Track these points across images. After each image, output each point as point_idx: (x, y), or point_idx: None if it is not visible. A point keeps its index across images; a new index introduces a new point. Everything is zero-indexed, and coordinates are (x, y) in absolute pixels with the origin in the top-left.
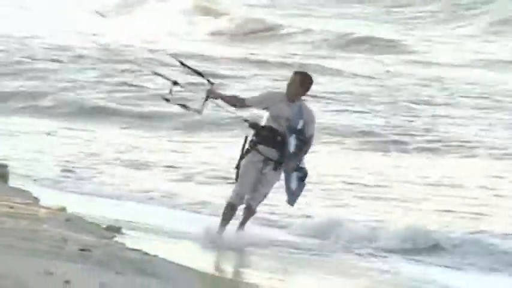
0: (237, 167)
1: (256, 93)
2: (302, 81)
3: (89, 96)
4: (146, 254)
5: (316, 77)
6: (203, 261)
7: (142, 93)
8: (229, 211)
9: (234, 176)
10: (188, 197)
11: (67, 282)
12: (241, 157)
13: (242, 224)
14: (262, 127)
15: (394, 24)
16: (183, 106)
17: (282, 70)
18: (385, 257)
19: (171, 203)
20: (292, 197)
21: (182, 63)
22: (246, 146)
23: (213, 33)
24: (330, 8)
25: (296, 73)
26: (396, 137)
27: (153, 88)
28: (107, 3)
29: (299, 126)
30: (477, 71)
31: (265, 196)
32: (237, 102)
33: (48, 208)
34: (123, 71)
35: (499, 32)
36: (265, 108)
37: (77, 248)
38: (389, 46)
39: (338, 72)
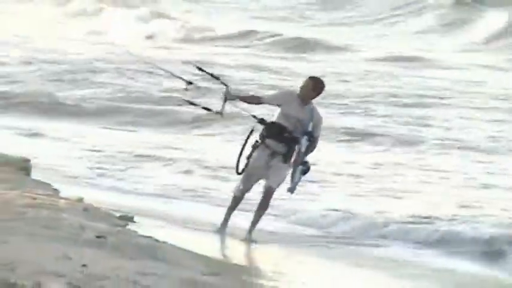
0: (238, 158)
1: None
2: (315, 86)
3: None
4: (156, 240)
5: None
6: (212, 248)
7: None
8: (234, 204)
9: (237, 167)
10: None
11: (84, 265)
12: (243, 146)
13: (260, 209)
14: (272, 123)
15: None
16: (205, 109)
17: None
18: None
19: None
20: (294, 186)
21: (199, 68)
22: (255, 139)
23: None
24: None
25: (310, 78)
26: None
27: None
28: None
29: (309, 128)
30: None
31: (282, 180)
32: (253, 100)
33: (67, 199)
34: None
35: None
36: (279, 105)
37: (93, 235)
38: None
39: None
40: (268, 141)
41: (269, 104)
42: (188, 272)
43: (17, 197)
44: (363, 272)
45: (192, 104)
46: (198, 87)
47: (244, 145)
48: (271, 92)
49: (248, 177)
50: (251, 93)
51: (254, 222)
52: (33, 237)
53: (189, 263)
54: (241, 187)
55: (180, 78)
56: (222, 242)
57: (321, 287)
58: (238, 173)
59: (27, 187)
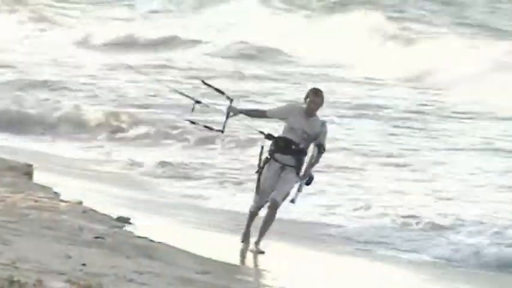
0: (258, 175)
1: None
2: (319, 97)
3: None
4: (152, 241)
5: None
6: (206, 247)
7: None
8: (251, 219)
9: (254, 184)
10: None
11: (83, 264)
12: (259, 165)
13: (266, 221)
14: (279, 137)
15: None
16: (207, 127)
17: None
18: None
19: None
20: (296, 197)
21: (204, 83)
22: (264, 155)
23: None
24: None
25: (313, 90)
26: None
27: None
28: None
29: (318, 140)
30: None
31: (287, 194)
32: (258, 114)
33: (67, 202)
34: None
35: None
36: (283, 119)
37: (91, 235)
38: None
39: None
40: (276, 155)
41: (273, 117)
42: (182, 271)
43: (21, 199)
44: None
45: (193, 123)
46: (206, 106)
47: (259, 164)
48: (276, 106)
49: (262, 192)
50: (255, 107)
51: (261, 235)
52: (35, 237)
53: (183, 262)
54: (256, 203)
55: (188, 96)
56: (243, 253)
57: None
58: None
59: (30, 190)
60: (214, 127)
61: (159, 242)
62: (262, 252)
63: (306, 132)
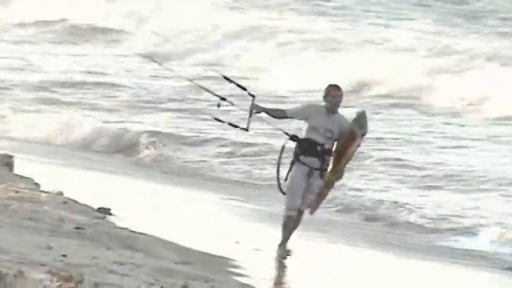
0: (277, 176)
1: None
2: (338, 93)
3: None
4: (132, 231)
5: None
6: (192, 239)
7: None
8: (288, 223)
9: (278, 186)
10: None
11: (64, 255)
12: (278, 165)
13: (291, 229)
14: (303, 139)
15: None
16: (232, 125)
17: None
18: None
19: None
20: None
21: (226, 78)
22: (291, 158)
23: None
24: None
25: (332, 86)
26: None
27: None
28: None
29: (338, 135)
30: None
31: (310, 202)
32: (279, 114)
33: (47, 192)
34: None
35: None
36: (304, 118)
37: (72, 226)
38: None
39: None
40: (302, 158)
41: (294, 117)
42: (163, 261)
43: (1, 190)
44: None
45: (218, 120)
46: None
47: (278, 163)
48: (297, 106)
49: (293, 193)
50: (276, 106)
51: (285, 239)
52: (16, 228)
53: (164, 252)
54: (289, 205)
55: (213, 93)
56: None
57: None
58: (283, 193)
59: (10, 181)
60: (240, 125)
61: (140, 233)
62: (288, 256)
63: (330, 130)
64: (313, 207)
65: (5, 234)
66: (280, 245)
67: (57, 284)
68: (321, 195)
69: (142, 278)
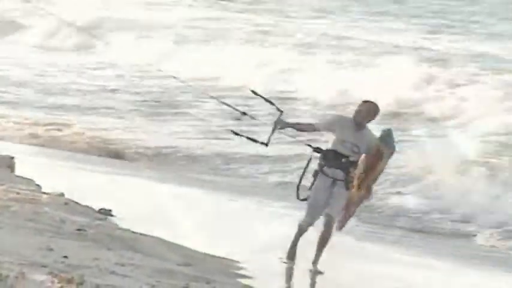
0: (298, 186)
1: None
2: (370, 110)
3: None
4: (134, 232)
5: None
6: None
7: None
8: (298, 234)
9: (297, 193)
10: None
11: (65, 257)
12: (302, 176)
13: (323, 238)
14: (328, 150)
15: None
16: (250, 139)
17: None
18: None
19: None
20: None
21: (254, 92)
22: (315, 169)
23: None
24: None
25: (365, 102)
26: None
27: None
28: None
29: (365, 151)
30: None
31: (339, 210)
32: (306, 128)
33: (48, 194)
34: None
35: None
36: (333, 131)
37: (73, 227)
38: None
39: None
40: (326, 169)
41: (322, 130)
42: (164, 263)
43: (2, 192)
44: None
45: (237, 134)
46: (252, 118)
47: (302, 174)
48: (325, 119)
49: (313, 208)
50: (303, 120)
51: (318, 253)
52: (17, 229)
53: (165, 253)
54: (306, 218)
55: (234, 108)
56: (290, 272)
57: None
58: (300, 199)
59: (11, 183)
60: (259, 139)
61: (141, 234)
62: (321, 273)
63: (356, 145)
64: (341, 224)
65: (6, 236)
66: (288, 257)
67: (59, 285)
68: (348, 211)
69: (143, 280)
